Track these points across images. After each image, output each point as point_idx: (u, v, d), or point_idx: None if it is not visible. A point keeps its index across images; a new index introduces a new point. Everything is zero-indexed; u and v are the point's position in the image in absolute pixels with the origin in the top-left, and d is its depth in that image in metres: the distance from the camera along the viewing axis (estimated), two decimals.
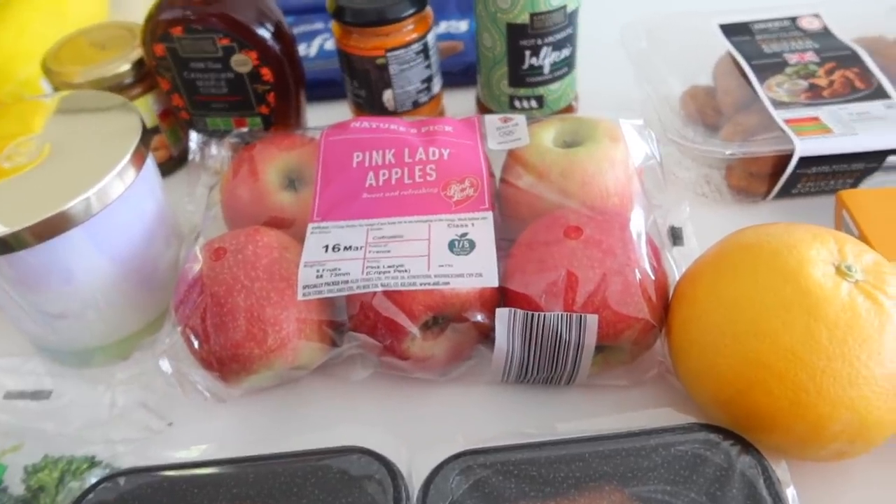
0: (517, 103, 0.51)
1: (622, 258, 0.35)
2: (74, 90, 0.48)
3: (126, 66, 0.49)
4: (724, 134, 0.47)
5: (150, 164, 0.41)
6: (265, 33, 0.46)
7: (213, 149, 0.46)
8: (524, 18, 0.46)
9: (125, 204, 0.38)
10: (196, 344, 0.36)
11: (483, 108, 0.54)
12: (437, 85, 0.52)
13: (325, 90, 0.58)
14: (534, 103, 0.51)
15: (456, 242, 0.36)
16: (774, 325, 0.30)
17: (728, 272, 0.32)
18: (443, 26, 0.62)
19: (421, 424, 0.37)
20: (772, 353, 0.30)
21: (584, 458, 0.31)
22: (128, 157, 0.38)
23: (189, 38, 0.46)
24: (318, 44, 0.63)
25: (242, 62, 0.46)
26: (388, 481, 0.31)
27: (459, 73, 0.58)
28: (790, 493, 0.30)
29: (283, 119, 0.50)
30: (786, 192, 0.46)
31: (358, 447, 0.32)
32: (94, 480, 0.33)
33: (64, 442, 0.36)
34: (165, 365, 0.37)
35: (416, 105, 0.51)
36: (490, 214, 0.38)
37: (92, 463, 0.35)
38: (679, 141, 0.45)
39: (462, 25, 0.62)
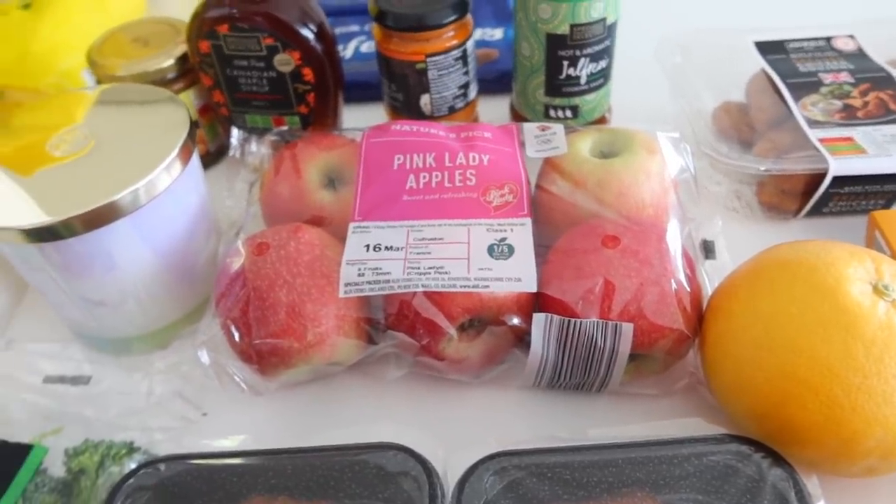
0: (552, 112, 0.52)
1: (659, 269, 0.36)
2: (118, 83, 0.49)
3: (169, 62, 0.50)
4: (757, 150, 0.47)
5: (195, 159, 0.42)
6: (308, 34, 0.47)
7: (254, 146, 0.47)
8: (564, 29, 0.46)
9: (171, 197, 0.39)
10: (237, 336, 0.37)
11: (517, 116, 0.55)
12: (473, 91, 0.53)
13: (360, 92, 0.59)
14: (569, 113, 0.51)
15: (495, 247, 0.37)
16: (812, 341, 0.30)
17: (765, 287, 0.33)
18: (478, 33, 0.63)
19: (453, 425, 0.38)
20: (808, 368, 0.30)
21: (617, 463, 0.32)
22: (176, 150, 0.39)
23: (234, 36, 0.46)
24: (353, 46, 0.63)
25: (285, 62, 0.47)
26: (424, 478, 0.32)
27: (493, 81, 0.59)
28: None
29: (320, 119, 0.51)
30: (817, 211, 0.46)
31: (395, 444, 0.33)
32: (133, 465, 0.34)
33: (103, 427, 0.37)
34: (204, 356, 0.38)
35: (453, 110, 0.52)
36: (529, 221, 0.38)
37: (131, 449, 0.36)
38: (713, 155, 0.46)
39: (497, 33, 0.63)
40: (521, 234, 0.38)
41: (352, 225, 0.39)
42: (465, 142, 0.42)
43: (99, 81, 0.51)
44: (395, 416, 0.39)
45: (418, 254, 0.37)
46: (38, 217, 0.36)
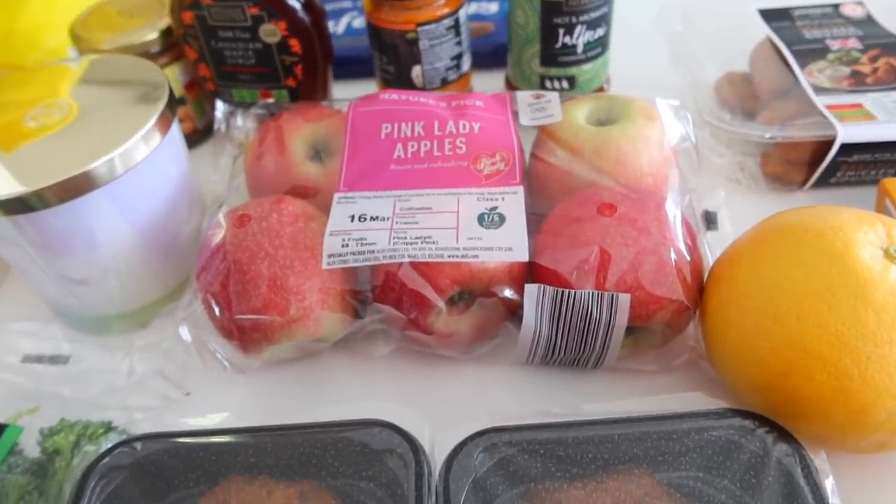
0: (548, 83, 0.50)
1: (657, 237, 0.34)
2: (103, 55, 0.48)
3: (153, 35, 0.49)
4: (761, 119, 0.45)
5: (176, 130, 0.40)
6: (295, 3, 0.45)
7: (239, 119, 0.46)
8: None
9: (149, 168, 0.38)
10: (217, 311, 0.35)
11: (512, 89, 0.53)
12: (466, 63, 0.51)
13: (352, 68, 0.58)
14: (565, 84, 0.50)
15: (485, 216, 0.35)
16: (819, 308, 0.28)
17: (769, 253, 0.31)
18: (473, 7, 0.61)
19: (443, 403, 0.36)
20: (815, 336, 0.28)
21: (613, 439, 0.30)
22: (153, 120, 0.37)
23: (218, 6, 0.45)
24: (346, 21, 0.62)
25: (271, 32, 0.46)
26: (410, 456, 0.30)
27: (488, 55, 0.57)
28: (829, 483, 0.28)
29: (309, 93, 0.49)
30: (824, 181, 0.45)
31: (379, 420, 0.31)
32: (110, 445, 0.32)
33: (80, 407, 0.36)
34: (185, 333, 0.37)
35: (445, 83, 0.50)
36: (521, 189, 0.37)
37: (108, 428, 0.35)
38: (716, 123, 0.44)
39: (493, 6, 0.61)
40: (512, 202, 0.36)
41: (337, 195, 0.37)
42: (455, 110, 0.41)
43: (82, 55, 0.50)
44: (383, 393, 0.37)
45: (405, 224, 0.35)
46: (9, 188, 0.34)
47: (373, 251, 0.34)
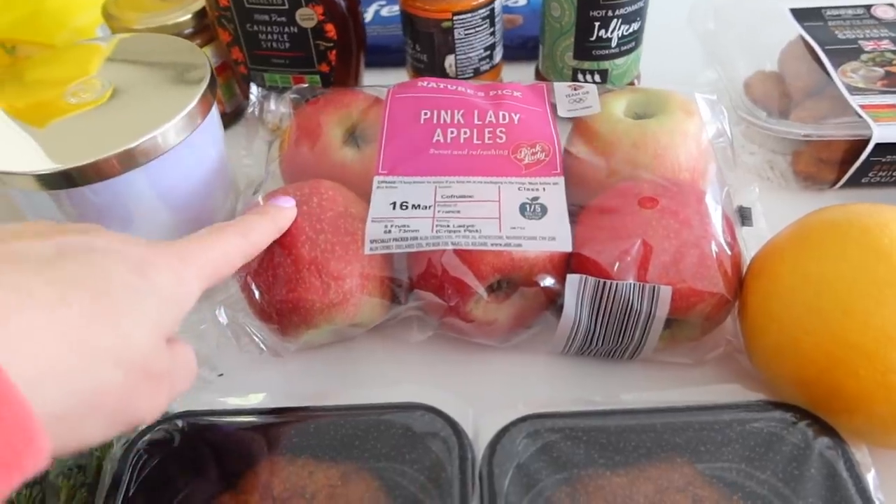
0: (580, 77, 0.50)
1: (699, 230, 0.34)
2: (135, 34, 0.48)
3: (186, 16, 0.49)
4: (794, 117, 0.45)
5: (215, 112, 0.40)
6: None
7: (273, 104, 0.45)
8: None
9: (188, 149, 0.38)
10: (256, 294, 0.35)
11: (543, 81, 0.53)
12: (498, 54, 0.51)
13: (380, 56, 0.57)
14: (597, 77, 0.50)
15: (527, 206, 0.35)
16: (866, 304, 0.29)
17: (813, 248, 0.31)
18: None
19: (479, 389, 0.36)
20: (861, 331, 0.28)
21: (655, 428, 0.31)
22: (195, 100, 0.37)
23: None
24: (373, 9, 0.62)
25: (307, 16, 0.46)
26: (454, 440, 0.30)
27: (517, 47, 0.57)
28: (871, 477, 0.29)
29: (342, 79, 0.49)
30: (855, 181, 0.45)
31: (423, 404, 0.32)
32: None
33: None
34: (222, 315, 0.37)
35: (477, 73, 0.50)
36: (562, 180, 0.37)
37: None
38: (751, 120, 0.44)
39: None
40: (554, 193, 0.36)
41: (376, 179, 0.37)
42: (493, 100, 0.41)
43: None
44: (419, 379, 0.37)
45: (447, 212, 0.35)
46: (52, 163, 0.34)
47: (416, 237, 0.34)
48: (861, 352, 0.29)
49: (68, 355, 0.21)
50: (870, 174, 0.44)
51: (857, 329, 0.29)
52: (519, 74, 0.56)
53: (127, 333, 0.22)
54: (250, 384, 0.38)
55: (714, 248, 0.34)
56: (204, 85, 0.38)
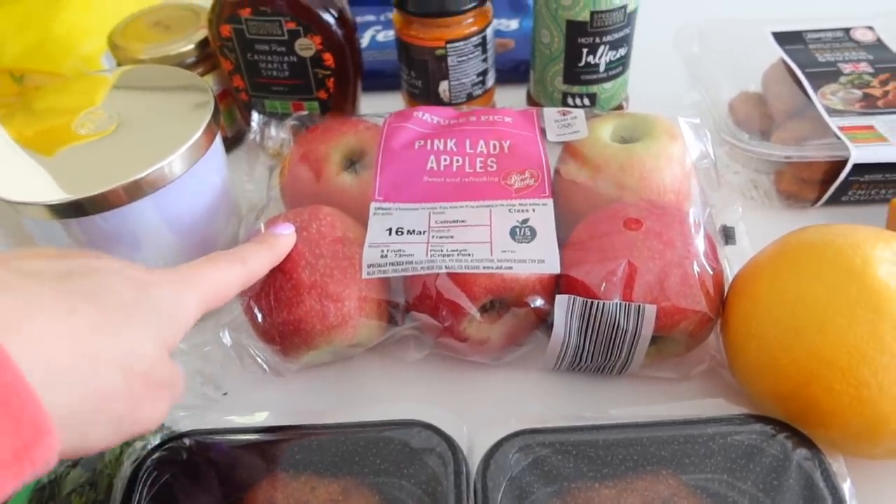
0: (570, 100, 0.52)
1: (682, 251, 0.36)
2: (140, 65, 0.49)
3: (190, 46, 0.50)
4: (775, 138, 0.47)
5: (218, 141, 0.42)
6: (330, 19, 0.47)
7: (273, 130, 0.47)
8: (585, 16, 0.47)
9: (194, 177, 0.39)
10: (259, 317, 0.37)
11: (534, 104, 0.55)
12: (491, 79, 0.53)
13: (376, 81, 0.59)
14: (586, 101, 0.51)
15: (517, 230, 0.37)
16: (839, 322, 0.30)
17: (790, 269, 0.33)
18: (494, 24, 0.63)
19: (474, 406, 0.38)
20: (835, 348, 0.30)
21: (642, 442, 0.32)
22: (200, 131, 0.39)
23: (256, 20, 0.47)
24: (370, 35, 0.64)
25: (306, 46, 0.47)
26: (449, 455, 0.32)
27: (509, 70, 0.59)
28: (847, 487, 0.30)
29: (339, 105, 0.51)
30: (835, 199, 0.46)
31: (419, 421, 0.33)
32: (157, 441, 0.34)
33: None
34: (226, 337, 0.38)
35: (471, 97, 0.52)
36: (550, 202, 0.38)
37: None
38: (734, 142, 0.46)
39: (513, 24, 0.63)
40: (543, 215, 0.38)
41: (373, 205, 0.39)
42: (485, 126, 0.42)
43: (120, 65, 0.51)
44: (416, 396, 0.39)
45: (441, 237, 0.37)
46: (63, 193, 0.36)
47: (411, 262, 0.36)
48: (835, 368, 0.30)
49: (77, 360, 0.22)
50: (849, 193, 0.46)
51: (831, 346, 0.30)
52: (511, 97, 0.58)
53: (131, 342, 0.24)
54: (254, 403, 0.39)
55: (696, 267, 0.35)
56: (208, 116, 0.40)
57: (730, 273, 0.39)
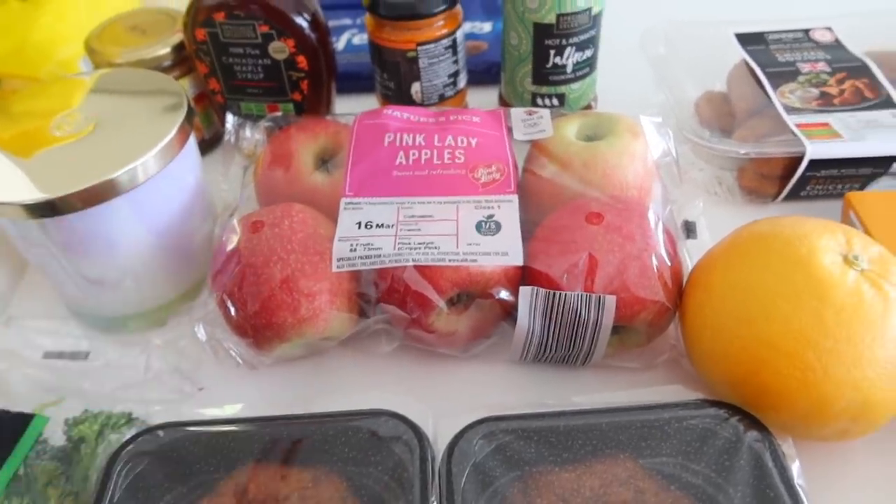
0: (539, 101, 0.53)
1: (641, 244, 0.37)
2: (116, 68, 0.50)
3: (165, 50, 0.51)
4: (737, 136, 0.49)
5: (192, 141, 0.43)
6: (303, 22, 0.48)
7: (248, 131, 0.48)
8: (551, 19, 0.48)
9: (168, 177, 0.40)
10: (232, 311, 0.38)
11: (505, 105, 0.56)
12: (462, 80, 0.54)
13: (351, 83, 0.60)
14: (555, 101, 0.53)
15: (483, 224, 0.38)
16: (785, 309, 0.32)
17: (741, 260, 0.34)
18: (467, 26, 0.64)
19: (443, 396, 0.39)
20: (782, 334, 0.31)
21: (601, 428, 0.33)
22: (174, 131, 0.40)
23: (230, 23, 0.48)
24: (346, 38, 0.65)
25: (280, 49, 0.49)
26: (415, 443, 0.33)
27: (482, 72, 0.60)
28: (795, 467, 0.31)
29: (314, 106, 0.52)
30: (795, 195, 0.48)
31: (387, 410, 0.34)
32: (132, 433, 0.35)
33: (101, 399, 0.38)
34: (201, 331, 0.39)
35: (443, 98, 0.53)
36: (515, 198, 0.40)
37: (129, 419, 0.37)
38: (695, 139, 0.47)
39: (486, 27, 0.65)
40: (508, 210, 0.39)
41: (343, 200, 0.40)
42: (454, 125, 0.44)
43: (97, 69, 0.52)
44: (387, 388, 0.40)
45: (409, 230, 0.38)
46: (38, 193, 0.37)
47: (379, 255, 0.37)
48: (782, 353, 0.31)
49: None
50: (807, 188, 0.47)
51: (778, 332, 0.32)
52: (484, 98, 0.59)
53: None
54: (229, 397, 0.40)
55: (655, 260, 0.37)
56: (181, 116, 0.40)
57: (690, 266, 0.40)
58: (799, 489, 0.30)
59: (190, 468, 0.34)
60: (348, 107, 0.57)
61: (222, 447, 0.34)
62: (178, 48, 0.52)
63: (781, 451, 0.32)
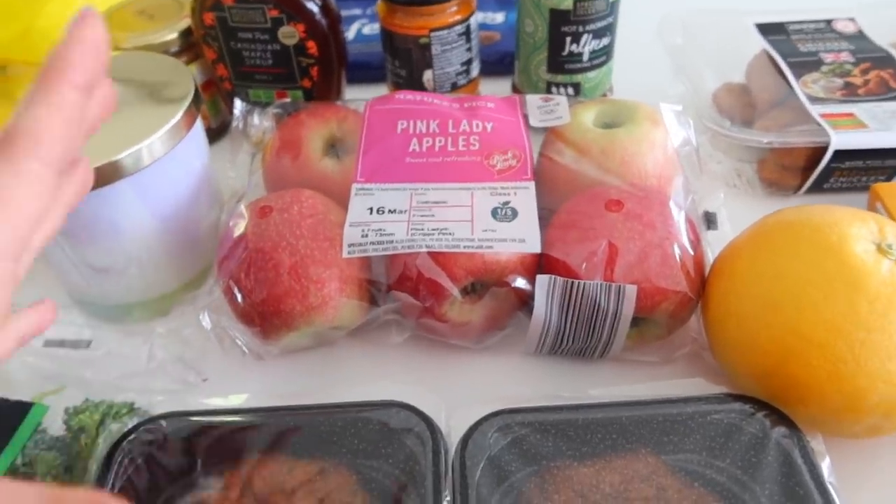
0: (554, 90, 0.52)
1: (662, 232, 0.36)
2: (123, 52, 0.49)
3: (173, 35, 0.50)
4: (758, 126, 0.47)
5: (199, 125, 0.42)
6: (313, 7, 0.47)
7: (256, 118, 0.47)
8: (567, 5, 0.47)
9: (173, 161, 0.39)
10: (239, 298, 0.37)
11: (519, 94, 0.55)
12: (475, 69, 0.53)
13: (362, 73, 0.59)
14: (570, 91, 0.52)
15: (499, 210, 0.37)
16: (815, 298, 0.30)
17: (769, 247, 0.33)
18: (480, 17, 0.63)
19: (455, 388, 0.37)
20: (812, 324, 0.30)
21: (621, 421, 0.32)
22: (180, 114, 0.39)
23: (239, 7, 0.47)
24: (356, 28, 0.64)
25: (289, 34, 0.47)
26: (427, 435, 0.31)
27: (495, 62, 0.59)
28: (825, 464, 0.30)
29: (324, 94, 0.51)
30: (817, 187, 0.47)
31: (398, 402, 0.33)
32: (133, 423, 0.33)
33: (103, 388, 0.37)
34: (206, 320, 0.38)
35: (455, 87, 0.52)
36: (532, 184, 0.38)
37: (131, 408, 0.35)
38: (716, 128, 0.46)
39: (499, 17, 0.63)
40: (524, 197, 0.38)
41: (354, 186, 0.39)
42: (468, 111, 0.42)
43: None
44: (397, 379, 0.38)
45: (422, 216, 0.37)
46: None
47: (391, 241, 0.36)
48: (812, 343, 0.30)
49: None
50: (830, 180, 0.46)
51: (808, 321, 0.30)
52: (496, 88, 0.58)
53: None
54: (233, 387, 0.39)
55: (677, 249, 0.35)
56: (188, 100, 0.39)
57: (711, 257, 0.39)
58: (830, 488, 0.29)
59: (193, 459, 0.32)
60: (359, 95, 0.55)
61: (227, 438, 0.33)
62: (186, 33, 0.51)
63: (811, 448, 0.30)
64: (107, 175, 0.36)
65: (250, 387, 0.39)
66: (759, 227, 0.35)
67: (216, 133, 0.55)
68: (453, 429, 0.33)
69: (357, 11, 0.66)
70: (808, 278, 0.31)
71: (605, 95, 0.54)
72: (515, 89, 0.55)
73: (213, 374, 0.40)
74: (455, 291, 0.35)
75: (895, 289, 0.30)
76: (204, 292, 0.39)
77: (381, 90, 0.56)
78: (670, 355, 0.38)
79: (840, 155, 0.44)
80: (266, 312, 0.36)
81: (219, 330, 0.38)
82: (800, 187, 0.47)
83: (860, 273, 0.30)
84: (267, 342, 0.38)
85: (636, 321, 0.36)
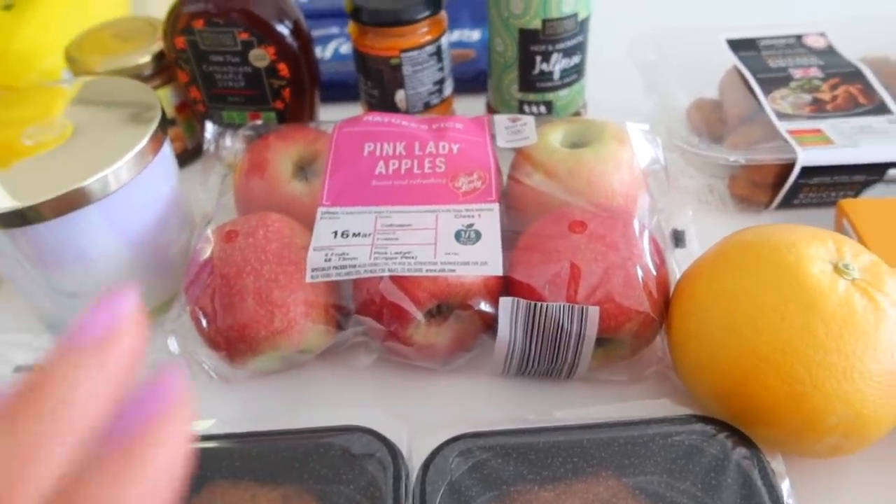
0: (526, 108, 0.52)
1: (625, 253, 0.36)
2: (94, 77, 0.49)
3: (146, 58, 0.50)
4: (728, 143, 0.48)
5: (167, 149, 0.42)
6: (284, 30, 0.47)
7: (228, 140, 0.47)
8: (536, 24, 0.47)
9: (141, 186, 0.39)
10: (204, 323, 0.37)
11: (493, 113, 0.55)
12: (448, 88, 0.53)
13: (339, 91, 0.60)
14: (543, 109, 0.52)
15: (462, 233, 0.37)
16: (772, 319, 0.30)
17: (728, 268, 0.33)
18: (455, 35, 0.64)
19: (421, 410, 0.37)
20: (769, 344, 0.30)
21: (582, 444, 0.32)
22: (146, 139, 0.39)
23: (210, 31, 0.47)
24: (333, 47, 0.64)
25: (260, 57, 0.48)
26: (389, 460, 0.31)
27: (470, 80, 0.59)
28: (785, 485, 0.30)
29: (296, 115, 0.51)
30: (787, 203, 0.47)
31: (360, 426, 0.33)
32: None
33: None
34: (173, 344, 0.38)
35: (428, 106, 0.52)
36: (496, 206, 0.39)
37: None
38: (685, 147, 0.46)
39: (475, 35, 0.64)
40: (488, 219, 0.38)
41: (320, 210, 0.39)
42: (436, 133, 0.43)
43: (76, 77, 0.52)
44: (365, 402, 0.39)
45: (386, 239, 0.37)
46: (6, 202, 0.36)
47: (354, 265, 0.36)
48: (770, 364, 0.30)
49: None
50: (800, 196, 0.46)
51: (765, 342, 0.30)
52: (472, 106, 0.58)
53: None
54: (202, 411, 0.39)
55: (640, 269, 0.35)
56: (154, 124, 0.39)
57: (678, 276, 0.39)
58: None
59: None
60: (334, 115, 0.56)
61: (190, 464, 0.33)
62: (160, 56, 0.51)
63: (770, 469, 0.30)
64: (74, 201, 0.37)
65: (218, 410, 0.39)
66: (720, 247, 0.35)
67: (191, 155, 0.56)
68: (416, 453, 0.33)
69: (335, 30, 0.66)
70: (766, 299, 0.31)
71: (578, 113, 0.54)
72: (489, 108, 0.56)
73: None
74: (419, 315, 0.36)
75: (850, 309, 0.30)
76: (171, 315, 0.39)
77: (357, 109, 0.56)
78: (638, 375, 0.38)
79: (807, 171, 0.44)
80: (231, 338, 0.36)
81: (186, 354, 0.38)
82: (770, 203, 0.47)
83: (816, 294, 0.30)
84: (234, 366, 0.38)
85: (601, 341, 0.36)
